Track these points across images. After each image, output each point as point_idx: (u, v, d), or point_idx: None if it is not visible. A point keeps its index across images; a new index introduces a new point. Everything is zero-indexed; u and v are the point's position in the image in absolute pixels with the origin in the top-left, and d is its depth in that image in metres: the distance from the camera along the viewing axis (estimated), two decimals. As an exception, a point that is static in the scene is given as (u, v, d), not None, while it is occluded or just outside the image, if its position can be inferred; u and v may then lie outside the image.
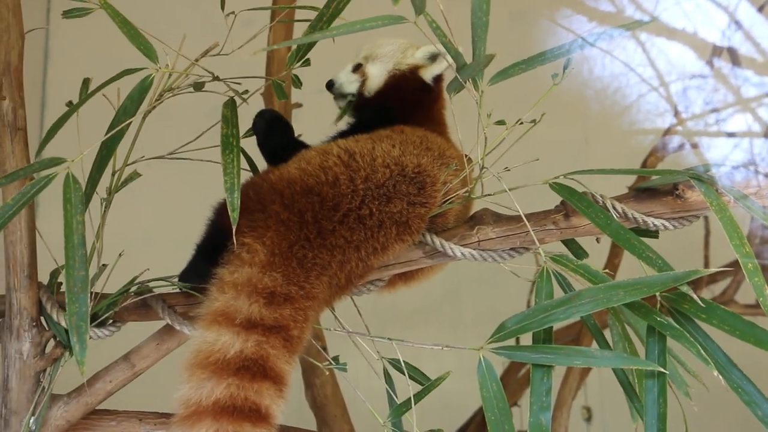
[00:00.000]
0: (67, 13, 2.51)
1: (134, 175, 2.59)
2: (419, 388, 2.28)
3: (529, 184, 2.25)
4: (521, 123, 2.25)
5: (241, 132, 2.34)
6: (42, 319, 2.43)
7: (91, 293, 2.34)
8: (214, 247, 2.25)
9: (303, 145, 2.44)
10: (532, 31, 5.95)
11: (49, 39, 5.88)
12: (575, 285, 2.21)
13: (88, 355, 2.07)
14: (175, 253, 2.40)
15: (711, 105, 5.56)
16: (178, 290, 2.40)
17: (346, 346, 2.52)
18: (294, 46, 2.61)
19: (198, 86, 2.52)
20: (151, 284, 2.45)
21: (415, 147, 2.33)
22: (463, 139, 2.47)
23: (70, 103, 2.46)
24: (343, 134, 2.53)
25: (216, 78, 2.54)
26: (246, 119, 2.49)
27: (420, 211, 2.27)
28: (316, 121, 2.73)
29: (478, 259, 2.31)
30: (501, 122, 2.25)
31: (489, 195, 2.34)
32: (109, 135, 2.38)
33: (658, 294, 2.09)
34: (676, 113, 5.60)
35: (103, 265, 2.52)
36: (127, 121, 2.38)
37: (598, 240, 2.37)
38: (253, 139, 2.56)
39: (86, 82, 2.58)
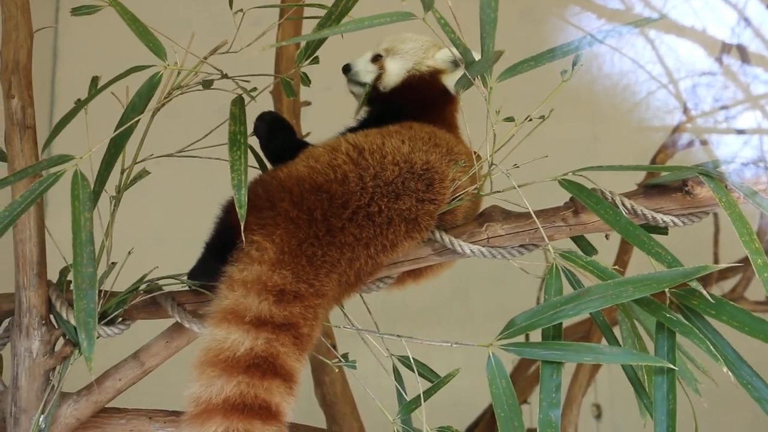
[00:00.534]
0: (76, 11, 2.51)
1: (143, 173, 2.59)
2: (429, 385, 2.28)
3: (538, 180, 2.24)
4: (530, 120, 2.25)
5: (249, 129, 2.34)
6: (51, 317, 2.43)
7: (101, 291, 2.36)
8: (223, 245, 2.24)
9: (305, 146, 2.42)
10: (541, 28, 5.94)
11: (58, 37, 5.88)
12: (584, 281, 2.20)
13: (98, 353, 2.07)
14: (185, 251, 2.41)
15: (720, 102, 5.55)
16: (187, 288, 2.40)
17: (356, 344, 2.51)
18: (303, 44, 2.61)
19: (207, 84, 2.51)
20: (161, 282, 2.46)
21: (424, 143, 2.32)
22: (472, 135, 2.46)
23: (78, 101, 2.46)
24: (351, 128, 2.51)
25: (225, 76, 2.54)
26: (254, 117, 2.49)
27: (429, 208, 2.27)
28: (324, 118, 2.72)
29: (487, 256, 2.31)
30: (510, 119, 2.25)
31: (498, 192, 2.33)
32: (117, 132, 2.38)
33: (667, 290, 2.09)
34: (686, 110, 5.59)
35: (113, 263, 2.52)
36: (136, 119, 2.38)
37: (607, 236, 2.37)
38: (262, 136, 2.56)
39: (95, 80, 2.57)
